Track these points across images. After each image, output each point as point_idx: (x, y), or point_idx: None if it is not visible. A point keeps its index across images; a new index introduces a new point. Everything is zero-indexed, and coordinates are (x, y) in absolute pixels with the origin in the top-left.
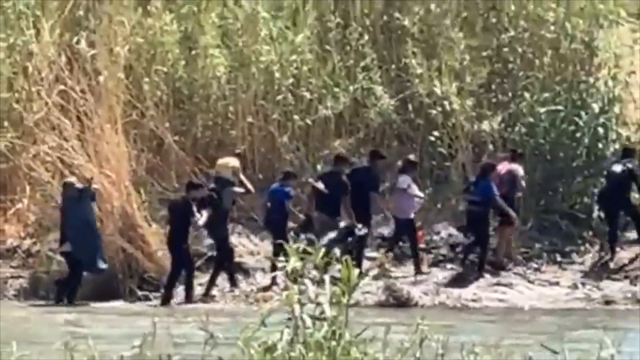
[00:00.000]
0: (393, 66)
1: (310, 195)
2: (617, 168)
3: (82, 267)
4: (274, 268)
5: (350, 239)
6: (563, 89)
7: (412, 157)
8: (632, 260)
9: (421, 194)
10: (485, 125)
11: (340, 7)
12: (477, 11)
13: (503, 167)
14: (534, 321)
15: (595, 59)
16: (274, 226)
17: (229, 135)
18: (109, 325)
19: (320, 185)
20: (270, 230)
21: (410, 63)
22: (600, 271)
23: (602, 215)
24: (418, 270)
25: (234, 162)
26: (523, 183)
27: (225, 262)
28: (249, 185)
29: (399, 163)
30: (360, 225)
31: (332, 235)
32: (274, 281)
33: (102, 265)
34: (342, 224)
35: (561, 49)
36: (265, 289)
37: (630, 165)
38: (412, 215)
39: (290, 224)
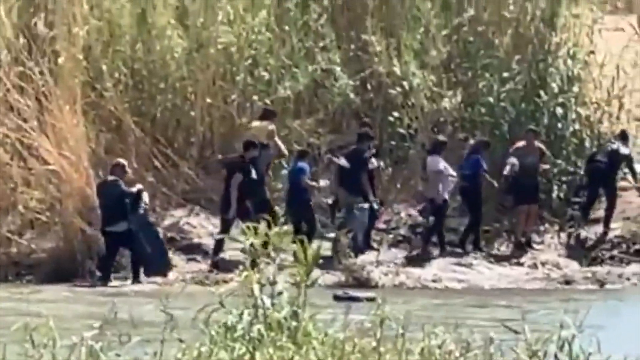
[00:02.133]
0: (352, 46)
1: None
2: (624, 150)
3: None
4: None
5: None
6: (522, 68)
7: (441, 137)
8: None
9: (454, 173)
10: (445, 103)
11: None
12: None
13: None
14: (494, 301)
15: (555, 39)
16: (296, 207)
17: (188, 116)
18: (69, 306)
19: (343, 162)
20: (293, 212)
21: (369, 41)
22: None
23: (603, 191)
24: (424, 252)
25: (270, 125)
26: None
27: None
28: (283, 148)
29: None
30: (377, 201)
31: (362, 220)
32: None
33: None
34: (361, 205)
35: (521, 28)
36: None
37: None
38: (446, 196)
39: None
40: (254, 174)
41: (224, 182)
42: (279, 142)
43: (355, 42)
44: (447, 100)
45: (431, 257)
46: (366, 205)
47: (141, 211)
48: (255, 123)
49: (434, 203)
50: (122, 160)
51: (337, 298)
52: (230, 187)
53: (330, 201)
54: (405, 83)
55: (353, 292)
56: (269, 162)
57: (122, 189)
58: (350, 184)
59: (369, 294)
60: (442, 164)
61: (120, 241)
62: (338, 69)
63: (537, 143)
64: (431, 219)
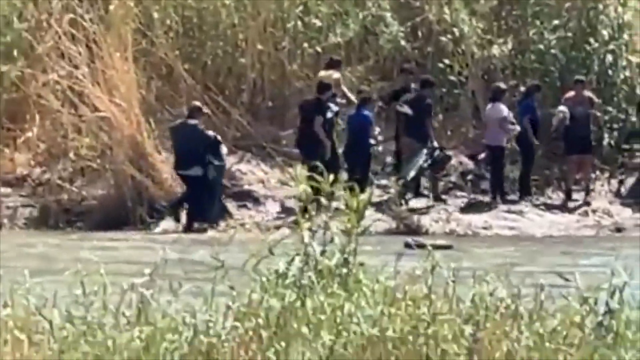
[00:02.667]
0: None
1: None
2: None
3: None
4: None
5: (432, 160)
6: (572, 15)
7: (502, 85)
8: None
9: (514, 121)
10: (495, 51)
11: None
12: None
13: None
14: (545, 248)
15: None
16: (357, 153)
17: (239, 63)
18: (120, 253)
19: (407, 109)
20: (352, 158)
21: None
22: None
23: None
24: (498, 198)
25: (335, 74)
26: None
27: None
28: (351, 96)
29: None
30: (439, 147)
31: (419, 161)
32: None
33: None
34: (424, 151)
35: None
36: None
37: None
38: (505, 143)
39: None
40: (329, 114)
41: (300, 125)
42: (346, 90)
43: None
44: (497, 48)
45: (483, 204)
46: (425, 151)
47: (221, 158)
48: (322, 72)
49: (495, 150)
50: (199, 104)
51: (407, 246)
52: (316, 129)
53: (381, 149)
54: (455, 30)
55: (424, 240)
56: (337, 110)
57: (203, 132)
58: (415, 131)
59: (442, 241)
60: (506, 111)
61: (195, 185)
62: (388, 15)
63: (586, 92)
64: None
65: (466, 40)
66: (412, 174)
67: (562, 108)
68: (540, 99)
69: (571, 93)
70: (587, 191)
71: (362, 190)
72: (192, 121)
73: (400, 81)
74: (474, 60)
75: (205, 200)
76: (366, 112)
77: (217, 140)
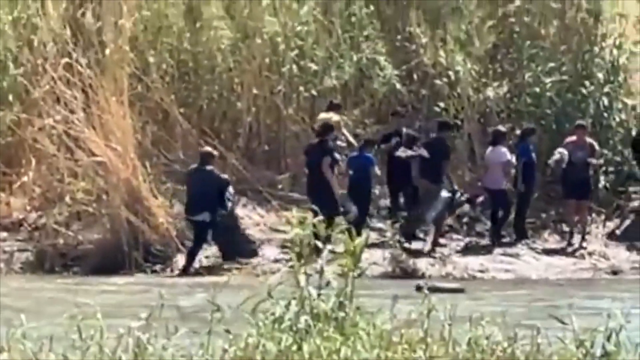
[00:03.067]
0: (398, 36)
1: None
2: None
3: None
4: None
5: (453, 204)
6: (568, 58)
7: (502, 128)
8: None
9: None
10: (490, 92)
11: None
12: None
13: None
14: (541, 292)
15: (601, 28)
16: (359, 196)
17: (234, 107)
18: (116, 297)
19: (424, 152)
20: (353, 198)
21: (414, 32)
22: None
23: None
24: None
25: (335, 116)
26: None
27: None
28: (351, 138)
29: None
30: (460, 191)
31: (439, 207)
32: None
33: None
34: (443, 193)
35: (566, 18)
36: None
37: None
38: (504, 186)
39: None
40: (336, 155)
41: (308, 172)
42: (347, 133)
43: (401, 32)
44: (492, 91)
45: (479, 247)
46: (447, 194)
47: (230, 203)
48: (322, 115)
49: (497, 194)
50: (209, 149)
51: (419, 289)
52: (324, 169)
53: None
54: (450, 73)
55: (438, 283)
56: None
57: (219, 177)
58: (431, 173)
59: (453, 284)
60: (509, 154)
61: (203, 231)
62: (382, 58)
63: (587, 138)
64: (480, 209)
65: (461, 83)
66: (432, 215)
67: (560, 150)
68: (536, 142)
69: (572, 137)
70: (584, 235)
71: (359, 233)
72: (209, 167)
73: (392, 124)
74: (470, 103)
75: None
76: (369, 155)
77: (228, 182)
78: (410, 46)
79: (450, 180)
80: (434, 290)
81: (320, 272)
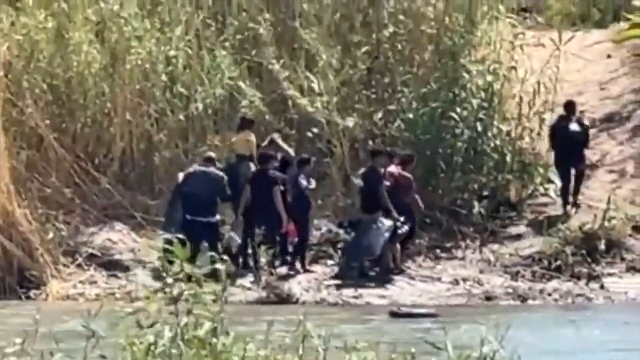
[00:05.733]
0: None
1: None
2: (575, 126)
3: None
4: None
5: (397, 234)
6: (443, 84)
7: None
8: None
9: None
10: (358, 121)
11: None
12: (357, 7)
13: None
14: (416, 318)
15: (475, 55)
16: (296, 215)
17: (108, 131)
18: None
19: (358, 182)
20: (294, 218)
21: (273, 69)
22: (481, 267)
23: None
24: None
25: (250, 136)
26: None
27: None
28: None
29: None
30: (402, 220)
31: (381, 238)
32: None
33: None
34: (385, 223)
35: (441, 44)
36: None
37: (586, 123)
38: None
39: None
40: (304, 183)
41: (254, 201)
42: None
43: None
44: (363, 117)
45: (352, 273)
46: (388, 223)
47: None
48: (235, 137)
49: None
50: (211, 153)
51: (394, 314)
52: (276, 201)
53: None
54: (318, 100)
55: (412, 310)
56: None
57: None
58: (369, 203)
59: (426, 310)
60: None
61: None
62: (244, 85)
63: (393, 168)
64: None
65: (330, 112)
66: (378, 249)
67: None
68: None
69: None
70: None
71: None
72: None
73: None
74: (342, 129)
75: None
76: (302, 177)
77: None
78: (270, 80)
79: (389, 208)
80: (408, 315)
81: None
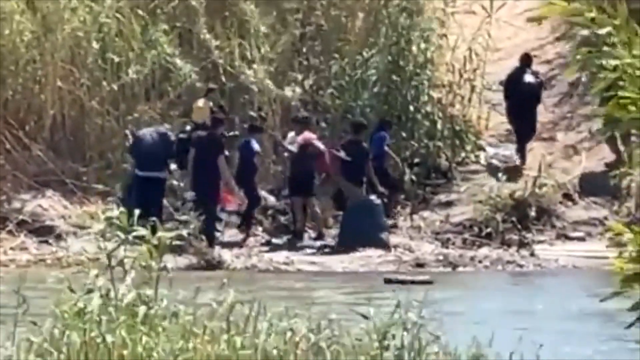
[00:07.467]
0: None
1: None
2: (530, 78)
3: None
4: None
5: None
6: (376, 52)
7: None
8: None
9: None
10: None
11: None
12: None
13: None
14: (345, 284)
15: (409, 22)
16: (244, 183)
17: (39, 98)
18: None
19: (342, 154)
20: (242, 185)
21: (206, 38)
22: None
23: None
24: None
25: (207, 103)
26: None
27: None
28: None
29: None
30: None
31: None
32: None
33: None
34: (374, 198)
35: (375, 12)
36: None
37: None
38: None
39: None
40: (256, 147)
41: (195, 164)
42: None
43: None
44: (294, 85)
45: (284, 240)
46: (378, 200)
47: None
48: (199, 103)
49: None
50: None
51: (387, 281)
52: (220, 166)
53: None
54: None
55: (405, 276)
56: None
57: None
58: (352, 174)
59: (422, 277)
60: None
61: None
62: (177, 60)
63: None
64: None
65: (261, 81)
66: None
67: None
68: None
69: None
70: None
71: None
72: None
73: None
74: (274, 96)
75: None
76: (254, 144)
77: None
78: (202, 48)
79: (373, 181)
80: (403, 282)
81: (121, 264)
